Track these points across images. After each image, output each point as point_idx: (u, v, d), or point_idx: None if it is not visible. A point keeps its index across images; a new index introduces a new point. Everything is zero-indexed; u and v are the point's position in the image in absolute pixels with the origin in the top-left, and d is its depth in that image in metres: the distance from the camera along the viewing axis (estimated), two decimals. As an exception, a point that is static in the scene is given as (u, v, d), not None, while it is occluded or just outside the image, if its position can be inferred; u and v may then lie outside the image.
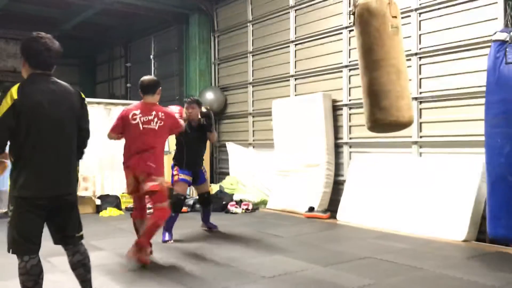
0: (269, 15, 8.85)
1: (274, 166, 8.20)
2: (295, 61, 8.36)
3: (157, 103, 4.78)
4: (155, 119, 4.57)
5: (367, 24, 3.77)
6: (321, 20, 7.80)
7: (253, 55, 9.29)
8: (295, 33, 8.33)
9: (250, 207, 7.88)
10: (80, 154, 3.20)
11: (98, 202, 7.97)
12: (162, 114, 4.64)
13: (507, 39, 4.74)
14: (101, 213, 7.65)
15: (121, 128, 4.62)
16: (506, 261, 4.58)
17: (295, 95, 8.28)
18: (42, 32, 3.04)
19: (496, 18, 5.54)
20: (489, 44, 5.04)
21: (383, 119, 3.81)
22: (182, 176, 5.68)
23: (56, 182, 2.92)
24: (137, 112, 4.57)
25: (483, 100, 5.05)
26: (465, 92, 5.89)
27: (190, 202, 8.05)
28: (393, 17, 3.75)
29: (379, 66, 3.77)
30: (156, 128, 4.57)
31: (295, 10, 8.33)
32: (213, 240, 5.53)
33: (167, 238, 5.46)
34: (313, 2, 7.97)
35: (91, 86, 14.91)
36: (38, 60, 2.95)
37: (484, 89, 5.03)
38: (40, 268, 2.91)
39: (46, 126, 2.88)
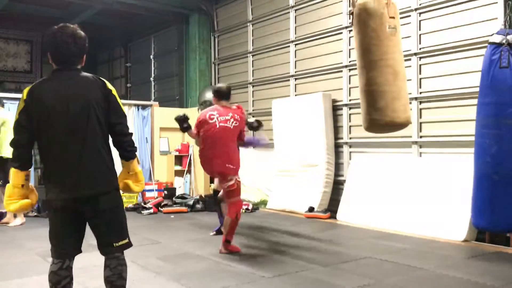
0: (269, 15, 8.85)
1: (274, 166, 8.21)
2: (295, 61, 8.35)
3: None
4: (232, 119, 4.92)
5: (364, 24, 3.77)
6: (321, 20, 7.80)
7: (253, 55, 9.29)
8: (295, 33, 8.33)
9: (250, 207, 7.88)
10: (123, 152, 2.86)
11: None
12: (238, 116, 4.99)
13: (503, 41, 4.74)
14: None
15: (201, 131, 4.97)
16: (506, 261, 4.58)
17: (295, 95, 8.28)
18: (66, 24, 2.80)
19: (496, 18, 5.54)
20: (488, 44, 5.04)
21: (379, 119, 3.82)
22: None
23: (75, 184, 2.67)
24: (215, 112, 4.92)
25: (483, 100, 5.08)
26: (465, 92, 5.88)
27: (190, 202, 8.05)
28: (391, 17, 3.75)
29: (376, 66, 3.78)
30: (231, 127, 4.90)
31: (295, 10, 8.33)
32: (212, 240, 5.53)
33: None
34: (313, 2, 7.97)
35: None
36: (55, 55, 2.76)
37: (484, 89, 5.04)
38: (59, 277, 2.71)
39: (57, 125, 2.66)
